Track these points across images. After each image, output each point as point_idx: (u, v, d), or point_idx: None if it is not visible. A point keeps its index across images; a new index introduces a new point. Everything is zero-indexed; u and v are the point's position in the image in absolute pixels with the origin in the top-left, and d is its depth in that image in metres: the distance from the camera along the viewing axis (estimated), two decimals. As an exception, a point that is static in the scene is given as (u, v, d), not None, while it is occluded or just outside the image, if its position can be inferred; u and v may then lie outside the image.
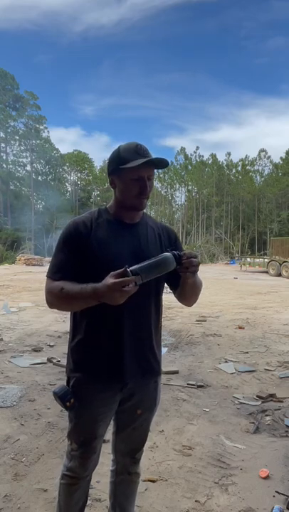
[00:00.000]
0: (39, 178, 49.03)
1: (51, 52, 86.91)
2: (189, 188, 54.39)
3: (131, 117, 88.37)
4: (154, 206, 55.00)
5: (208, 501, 2.18)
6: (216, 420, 3.23)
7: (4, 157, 46.05)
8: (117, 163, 1.44)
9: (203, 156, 53.43)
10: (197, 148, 61.53)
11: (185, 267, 1.34)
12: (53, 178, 50.84)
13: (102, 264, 1.40)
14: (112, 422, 1.65)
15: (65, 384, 1.54)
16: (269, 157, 52.46)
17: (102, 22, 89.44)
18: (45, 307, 7.77)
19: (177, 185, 55.72)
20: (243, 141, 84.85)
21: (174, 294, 1.60)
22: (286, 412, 3.38)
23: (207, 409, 3.44)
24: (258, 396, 3.72)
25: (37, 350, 5.26)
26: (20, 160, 47.44)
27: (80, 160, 52.69)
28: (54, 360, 4.68)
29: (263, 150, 52.56)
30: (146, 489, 2.26)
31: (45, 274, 1.51)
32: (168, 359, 4.98)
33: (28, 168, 47.61)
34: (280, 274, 20.16)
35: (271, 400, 3.65)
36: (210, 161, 52.67)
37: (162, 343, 5.42)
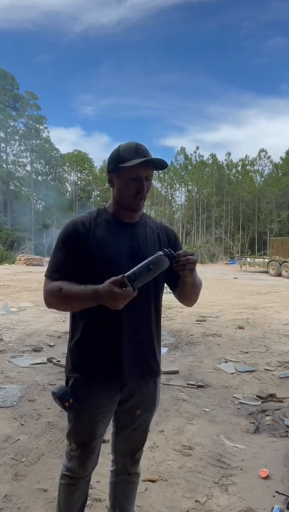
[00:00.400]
0: (39, 178, 49.03)
1: (51, 52, 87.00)
2: (189, 188, 54.38)
3: (131, 117, 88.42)
4: (154, 206, 55.00)
5: (208, 501, 2.18)
6: (216, 420, 3.23)
7: (4, 157, 46.06)
8: (116, 161, 1.44)
9: (203, 156, 53.48)
10: (197, 148, 61.61)
11: (182, 265, 1.32)
12: (53, 178, 50.85)
13: (100, 263, 1.40)
14: (111, 423, 1.65)
15: (64, 384, 1.54)
16: (269, 157, 52.50)
17: (102, 22, 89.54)
18: (45, 307, 7.79)
19: (177, 185, 55.71)
20: (243, 141, 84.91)
21: (174, 294, 1.60)
22: (286, 412, 3.38)
23: (207, 409, 3.44)
24: (258, 396, 3.72)
25: (37, 350, 5.26)
26: (21, 160, 47.50)
27: (80, 160, 52.69)
28: (54, 360, 4.68)
29: (263, 150, 52.60)
30: (146, 489, 2.26)
31: (44, 273, 1.50)
32: (168, 359, 4.98)
33: (28, 168, 47.67)
34: (280, 274, 20.17)
35: (271, 400, 3.65)
36: (210, 161, 52.68)
37: (162, 343, 5.42)
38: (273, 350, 5.53)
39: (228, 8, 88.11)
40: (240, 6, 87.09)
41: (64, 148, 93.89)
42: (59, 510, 1.65)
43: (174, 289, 1.57)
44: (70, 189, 54.70)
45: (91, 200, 52.14)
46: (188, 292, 1.52)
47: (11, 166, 46.53)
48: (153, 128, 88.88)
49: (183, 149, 53.99)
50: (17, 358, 4.88)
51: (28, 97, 45.25)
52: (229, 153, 56.16)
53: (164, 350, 5.45)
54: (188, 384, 4.04)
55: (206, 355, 5.18)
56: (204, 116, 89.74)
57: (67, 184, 54.97)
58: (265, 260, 23.39)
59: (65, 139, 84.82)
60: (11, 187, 45.58)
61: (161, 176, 55.09)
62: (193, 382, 4.05)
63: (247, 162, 52.56)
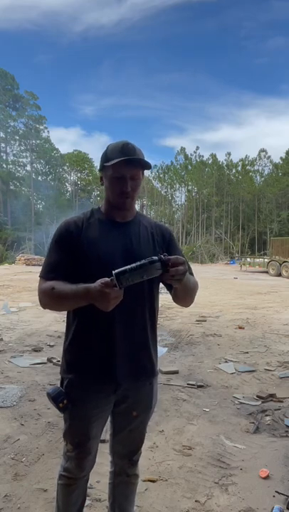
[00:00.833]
0: (39, 178, 49.02)
1: (51, 52, 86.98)
2: (189, 188, 54.36)
3: (131, 117, 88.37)
4: (154, 206, 55.00)
5: (208, 501, 2.18)
6: (216, 420, 3.23)
7: (4, 157, 46.07)
8: (103, 160, 1.46)
9: (203, 156, 53.41)
10: (197, 148, 61.54)
11: (170, 275, 1.28)
12: (53, 178, 50.83)
13: (92, 263, 1.40)
14: (108, 424, 1.65)
15: (59, 385, 1.54)
16: (269, 157, 52.44)
17: (102, 22, 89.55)
18: (45, 307, 7.79)
19: (177, 185, 55.68)
20: (243, 141, 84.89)
21: (171, 295, 1.58)
22: (286, 412, 3.38)
23: (207, 409, 3.44)
24: (258, 396, 3.72)
25: (37, 350, 5.26)
26: (21, 160, 47.49)
27: (80, 160, 52.69)
28: (54, 360, 4.67)
29: (263, 150, 52.55)
30: (146, 489, 2.26)
31: (38, 275, 1.51)
32: (168, 359, 4.98)
33: (28, 168, 47.67)
34: (280, 274, 20.16)
35: (271, 400, 3.65)
36: (210, 161, 52.64)
37: (162, 343, 5.40)
38: (273, 350, 5.53)
39: (228, 8, 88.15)
40: (240, 6, 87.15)
41: (64, 148, 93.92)
42: (58, 511, 1.65)
43: (169, 289, 1.56)
44: (70, 189, 54.72)
45: (91, 200, 52.13)
46: (181, 294, 1.50)
47: (11, 166, 46.54)
48: (153, 128, 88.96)
49: (183, 149, 54.02)
50: (17, 358, 4.88)
51: (28, 97, 45.26)
52: (229, 153, 56.10)
53: (164, 350, 5.44)
54: (188, 384, 4.04)
55: (206, 355, 5.18)
56: (204, 116, 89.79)
57: (67, 184, 55.00)
58: (265, 260, 23.39)
59: (65, 139, 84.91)
60: (11, 187, 45.57)
61: (161, 175, 55.14)
62: (193, 382, 4.05)
63: (247, 162, 52.55)
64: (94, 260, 1.41)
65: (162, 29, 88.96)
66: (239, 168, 52.46)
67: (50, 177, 50.85)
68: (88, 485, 2.15)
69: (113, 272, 1.24)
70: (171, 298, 1.55)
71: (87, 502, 2.09)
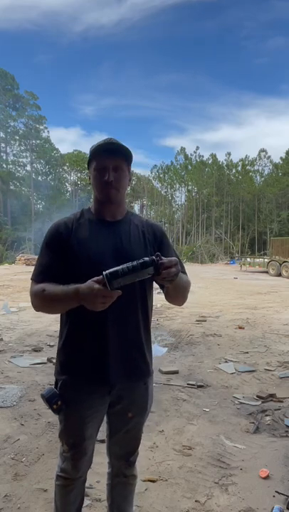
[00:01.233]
0: (39, 178, 49.00)
1: (51, 52, 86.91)
2: (189, 188, 54.35)
3: (131, 117, 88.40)
4: (154, 206, 54.99)
5: (208, 501, 2.18)
6: (216, 420, 3.23)
7: (4, 157, 46.04)
8: (88, 159, 1.50)
9: (203, 156, 53.38)
10: (197, 148, 61.52)
11: (162, 277, 1.28)
12: (53, 178, 50.81)
13: (82, 263, 1.40)
14: (105, 425, 1.65)
15: (54, 386, 1.54)
16: (269, 157, 52.42)
17: (102, 22, 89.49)
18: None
19: (177, 185, 55.67)
20: (243, 141, 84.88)
21: (164, 294, 1.57)
22: (286, 412, 3.38)
23: (207, 409, 3.44)
24: (258, 396, 3.72)
25: (37, 350, 5.26)
26: (21, 160, 47.44)
27: (80, 160, 52.60)
28: (54, 360, 4.67)
29: (263, 150, 52.53)
30: (146, 489, 2.26)
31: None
32: (168, 359, 4.99)
33: (28, 168, 47.62)
34: (280, 274, 20.15)
35: (271, 400, 3.65)
36: (210, 161, 52.64)
37: (162, 343, 5.39)
38: (273, 350, 5.53)
39: (228, 8, 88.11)
40: (241, 6, 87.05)
41: (64, 148, 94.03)
42: (56, 511, 1.65)
43: (161, 288, 1.53)
44: (70, 189, 54.70)
45: (91, 200, 51.87)
46: (173, 293, 1.50)
47: (11, 166, 46.50)
48: (153, 128, 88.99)
49: (183, 149, 54.00)
50: (17, 358, 4.88)
51: (28, 97, 45.23)
52: (229, 153, 56.05)
53: (164, 350, 5.45)
54: (188, 384, 4.04)
55: (206, 355, 5.18)
56: (204, 117, 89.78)
57: (67, 184, 54.97)
58: (265, 260, 23.38)
59: (65, 139, 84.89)
60: (11, 187, 45.54)
61: (161, 175, 55.12)
62: (193, 382, 4.05)
63: (247, 162, 52.54)
64: (84, 260, 1.41)
65: (162, 29, 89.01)
66: (239, 168, 52.45)
67: (50, 177, 50.80)
68: (88, 485, 2.15)
69: (104, 272, 1.22)
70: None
71: (88, 502, 2.09)
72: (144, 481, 2.32)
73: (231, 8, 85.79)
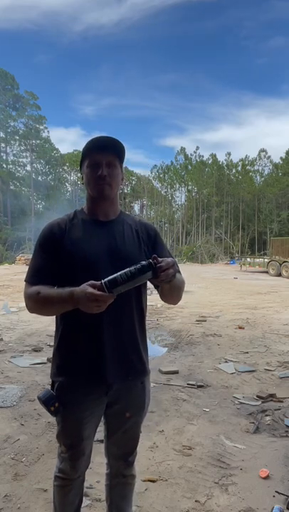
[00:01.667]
0: (39, 178, 49.00)
1: (51, 52, 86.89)
2: (189, 188, 54.33)
3: (131, 117, 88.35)
4: (154, 206, 54.98)
5: (208, 501, 2.18)
6: (216, 420, 3.23)
7: (4, 157, 46.02)
8: (81, 157, 1.50)
9: (203, 156, 53.30)
10: (197, 148, 61.44)
11: (161, 280, 1.28)
12: (53, 178, 50.81)
13: (77, 263, 1.39)
14: (103, 426, 1.64)
15: (50, 388, 1.53)
16: (269, 157, 52.38)
17: (102, 22, 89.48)
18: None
19: (177, 185, 55.65)
20: (243, 141, 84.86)
21: (158, 293, 1.56)
22: (286, 412, 3.38)
23: (207, 409, 3.44)
24: (258, 396, 3.72)
25: (37, 350, 5.26)
26: (21, 160, 47.42)
27: (79, 160, 52.61)
28: (54, 360, 4.68)
29: (263, 150, 52.48)
30: (146, 489, 2.26)
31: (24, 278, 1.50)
32: (168, 359, 4.99)
33: (28, 168, 47.61)
34: (280, 274, 20.15)
35: (271, 400, 3.65)
36: (210, 161, 52.60)
37: (162, 343, 5.39)
38: (273, 350, 5.53)
39: (228, 8, 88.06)
40: (241, 6, 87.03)
41: (64, 148, 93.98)
42: (55, 511, 1.65)
43: (156, 287, 1.53)
44: (70, 189, 54.70)
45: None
46: (168, 293, 1.50)
47: (11, 166, 46.49)
48: (153, 128, 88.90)
49: (183, 149, 53.95)
50: (17, 358, 4.88)
51: (28, 97, 45.21)
52: (229, 153, 55.96)
53: (164, 350, 5.45)
54: (188, 384, 4.04)
55: (206, 355, 5.18)
56: (204, 117, 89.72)
57: (67, 184, 54.95)
58: (265, 260, 23.37)
59: (65, 139, 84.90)
60: (11, 187, 45.54)
61: (161, 175, 55.11)
62: (193, 382, 4.05)
63: (247, 162, 52.50)
64: (79, 261, 1.40)
65: (162, 29, 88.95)
66: (239, 168, 52.42)
67: (50, 177, 50.81)
68: (88, 485, 2.16)
69: (102, 281, 1.22)
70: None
71: (88, 502, 2.09)
72: (144, 481, 2.32)
73: (231, 8, 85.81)
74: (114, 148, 1.45)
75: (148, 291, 1.62)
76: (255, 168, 53.10)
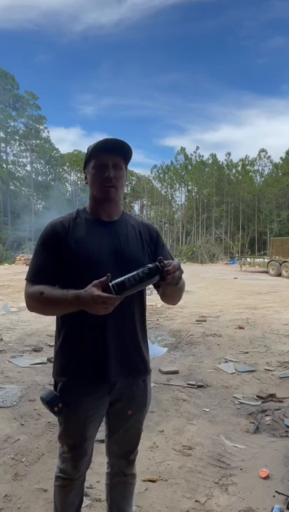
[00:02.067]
0: (39, 178, 49.00)
1: (51, 52, 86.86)
2: (189, 188, 54.31)
3: (131, 117, 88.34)
4: (154, 206, 54.98)
5: (208, 501, 2.18)
6: (216, 420, 3.23)
7: (4, 157, 46.03)
8: (86, 157, 1.49)
9: (203, 156, 53.28)
10: (197, 148, 61.42)
11: (167, 282, 1.29)
12: (53, 178, 50.82)
13: (80, 263, 1.38)
14: (104, 425, 1.64)
15: (53, 388, 1.53)
16: (269, 157, 52.35)
17: (102, 22, 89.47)
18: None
19: (177, 185, 55.64)
20: (243, 141, 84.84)
21: (158, 294, 1.58)
22: (286, 412, 3.38)
23: (207, 409, 3.44)
24: (258, 396, 3.72)
25: (37, 350, 5.26)
26: (21, 160, 47.44)
27: (80, 160, 52.48)
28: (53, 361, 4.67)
29: (263, 150, 52.46)
30: (146, 489, 2.26)
31: (24, 277, 1.48)
32: (168, 359, 4.99)
33: (28, 168, 47.62)
34: (280, 274, 20.15)
35: (271, 400, 3.65)
36: (210, 161, 52.59)
37: (162, 343, 5.39)
38: (273, 350, 5.53)
39: (228, 8, 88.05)
40: (241, 6, 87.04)
41: (64, 148, 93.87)
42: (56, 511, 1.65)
43: (157, 288, 1.55)
44: (70, 189, 54.70)
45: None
46: (170, 293, 1.50)
47: (11, 166, 46.49)
48: (153, 128, 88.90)
49: (183, 149, 53.94)
50: (17, 358, 4.88)
51: (28, 97, 45.22)
52: (229, 153, 55.91)
53: (164, 350, 5.45)
54: (188, 384, 4.04)
55: (206, 355, 5.18)
56: (204, 116, 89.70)
57: (67, 184, 54.97)
58: (265, 260, 23.38)
59: (65, 139, 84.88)
60: (11, 187, 45.55)
61: (161, 175, 55.10)
62: (193, 382, 4.05)
63: (247, 162, 52.49)
64: (82, 260, 1.39)
65: (162, 29, 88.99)
66: (239, 168, 52.40)
67: (50, 177, 50.82)
68: (88, 485, 2.16)
69: (110, 284, 1.22)
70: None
71: (88, 502, 2.09)
72: (144, 481, 2.32)
73: (231, 8, 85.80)
74: (121, 150, 1.45)
75: (148, 291, 1.62)
76: (255, 168, 53.10)
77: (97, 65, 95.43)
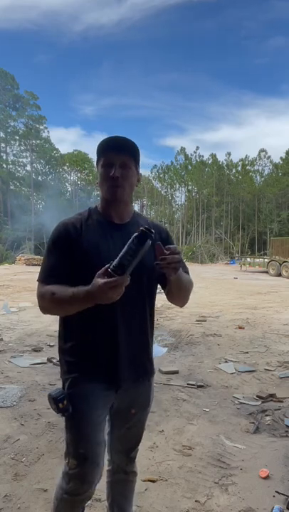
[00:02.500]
0: (39, 178, 49.01)
1: (51, 52, 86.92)
2: (189, 188, 54.34)
3: (131, 117, 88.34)
4: (154, 206, 54.99)
5: (208, 501, 2.18)
6: (216, 420, 3.23)
7: (4, 157, 46.05)
8: (97, 157, 1.47)
9: (203, 156, 53.37)
10: (197, 148, 61.42)
11: (167, 263, 1.26)
12: (53, 178, 50.83)
13: (94, 266, 1.30)
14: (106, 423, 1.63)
15: (62, 388, 1.50)
16: (269, 157, 52.44)
17: (102, 22, 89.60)
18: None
19: (177, 185, 55.67)
20: (243, 141, 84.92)
21: (165, 293, 1.55)
22: (286, 412, 3.38)
23: (207, 409, 3.44)
24: (258, 396, 3.72)
25: (37, 350, 5.26)
26: (21, 160, 47.49)
27: (80, 160, 52.61)
28: (54, 360, 4.67)
29: (263, 150, 52.55)
30: (146, 489, 2.26)
31: (37, 278, 1.45)
32: (168, 359, 4.99)
33: (28, 168, 47.66)
34: (280, 274, 20.16)
35: (271, 400, 3.65)
36: (210, 161, 52.63)
37: (162, 343, 5.39)
38: (273, 350, 5.53)
39: (228, 8, 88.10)
40: (241, 6, 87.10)
41: (64, 148, 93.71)
42: None
43: (164, 287, 1.53)
44: (70, 189, 54.71)
45: (91, 199, 52.08)
46: (175, 291, 1.47)
47: (11, 166, 46.52)
48: (153, 128, 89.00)
49: (183, 149, 54.00)
50: (17, 358, 4.88)
51: (28, 97, 45.24)
52: (229, 153, 56.00)
53: (164, 350, 5.45)
54: (188, 384, 4.04)
55: (206, 355, 5.18)
56: (204, 116, 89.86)
57: (67, 184, 54.99)
58: (265, 260, 23.39)
59: (65, 139, 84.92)
60: (11, 187, 45.56)
61: (161, 175, 55.12)
62: (193, 382, 4.05)
63: (247, 162, 52.54)
64: (97, 264, 1.32)
65: (162, 29, 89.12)
66: (239, 168, 52.45)
67: (50, 177, 50.84)
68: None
69: (109, 270, 1.19)
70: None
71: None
72: (144, 481, 2.32)
73: (231, 8, 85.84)
74: (129, 148, 1.43)
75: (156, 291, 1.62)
76: (255, 168, 53.17)
77: (97, 65, 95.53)
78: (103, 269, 1.21)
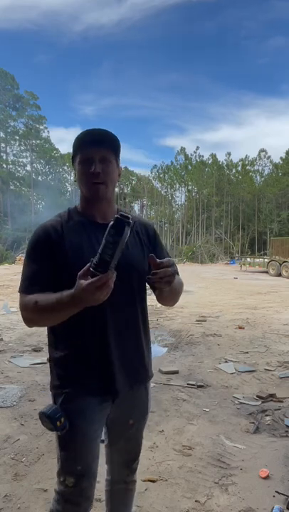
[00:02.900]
0: (39, 178, 49.01)
1: (51, 52, 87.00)
2: (189, 188, 54.32)
3: (131, 117, 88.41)
4: (154, 206, 54.98)
5: (208, 501, 2.18)
6: (216, 420, 3.23)
7: (4, 157, 46.03)
8: (72, 153, 1.38)
9: (203, 156, 53.30)
10: (197, 148, 61.37)
11: (159, 277, 1.17)
12: (53, 178, 50.82)
13: (78, 270, 1.15)
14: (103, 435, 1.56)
15: (53, 403, 1.39)
16: (269, 157, 52.39)
17: (102, 22, 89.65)
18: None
19: (177, 185, 55.64)
20: (243, 141, 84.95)
21: (155, 295, 1.42)
22: (286, 412, 3.38)
23: (207, 409, 3.44)
24: (258, 396, 3.72)
25: (37, 350, 5.26)
26: (21, 160, 47.46)
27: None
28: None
29: (263, 150, 52.49)
30: (146, 489, 2.26)
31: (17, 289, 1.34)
32: (168, 359, 4.98)
33: (28, 168, 47.64)
34: (280, 274, 20.14)
35: (271, 400, 3.65)
36: (210, 161, 52.59)
37: (162, 343, 5.38)
38: (273, 350, 5.53)
39: (228, 8, 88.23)
40: (240, 6, 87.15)
41: (64, 148, 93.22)
42: None
43: (153, 289, 1.39)
44: (70, 189, 54.67)
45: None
46: (166, 294, 1.36)
47: (11, 166, 46.49)
48: (153, 128, 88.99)
49: (183, 149, 53.94)
50: (17, 358, 4.88)
51: (28, 97, 45.23)
52: (229, 153, 55.95)
53: (164, 350, 5.45)
54: (188, 384, 4.04)
55: (206, 355, 5.18)
56: (204, 116, 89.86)
57: (67, 184, 54.95)
58: (265, 260, 23.38)
59: (65, 139, 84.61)
60: (11, 187, 45.54)
61: (161, 175, 55.11)
62: (193, 382, 4.05)
63: (247, 162, 52.50)
64: (79, 266, 1.16)
65: (162, 29, 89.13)
66: (239, 168, 52.41)
67: (50, 177, 50.83)
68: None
69: (91, 269, 1.09)
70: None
71: None
72: (144, 481, 2.32)
73: (231, 8, 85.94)
74: (108, 141, 1.33)
75: (148, 292, 1.60)
76: (255, 168, 53.13)
77: (97, 65, 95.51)
78: (84, 269, 1.11)
